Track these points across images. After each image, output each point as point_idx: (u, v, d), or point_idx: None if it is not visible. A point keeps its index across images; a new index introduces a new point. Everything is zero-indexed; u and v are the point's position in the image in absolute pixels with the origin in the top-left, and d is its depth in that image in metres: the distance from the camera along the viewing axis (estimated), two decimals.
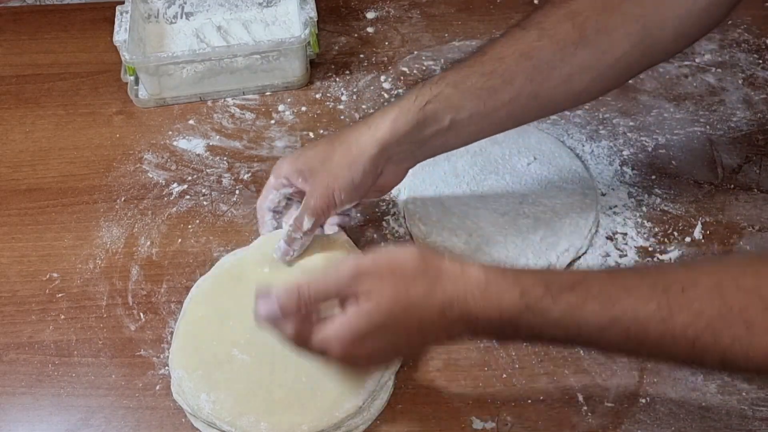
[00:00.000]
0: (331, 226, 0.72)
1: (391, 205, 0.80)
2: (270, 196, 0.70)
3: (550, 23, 0.63)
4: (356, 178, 0.64)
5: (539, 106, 0.66)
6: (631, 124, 0.87)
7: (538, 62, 0.63)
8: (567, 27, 0.62)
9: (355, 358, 0.55)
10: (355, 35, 0.99)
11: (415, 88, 0.65)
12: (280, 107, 0.91)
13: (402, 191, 0.80)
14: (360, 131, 0.65)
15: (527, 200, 0.77)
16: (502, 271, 0.52)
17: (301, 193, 0.68)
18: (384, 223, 0.79)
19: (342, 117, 0.89)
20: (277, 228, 0.70)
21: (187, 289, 0.72)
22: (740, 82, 0.92)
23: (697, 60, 0.94)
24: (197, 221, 0.79)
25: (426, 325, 0.52)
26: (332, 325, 0.53)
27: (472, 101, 0.63)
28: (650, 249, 0.76)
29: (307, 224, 0.65)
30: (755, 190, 0.81)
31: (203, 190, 0.82)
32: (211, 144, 0.87)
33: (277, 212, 0.71)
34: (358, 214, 0.78)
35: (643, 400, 0.66)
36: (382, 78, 0.93)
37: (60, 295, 0.74)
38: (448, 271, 0.52)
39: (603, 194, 0.80)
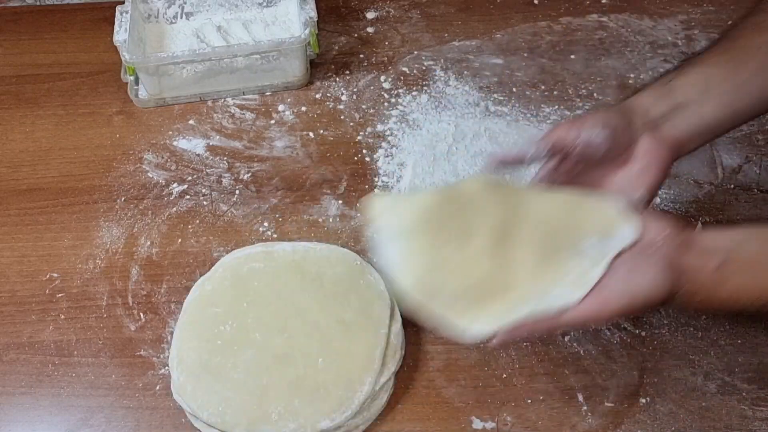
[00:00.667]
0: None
1: None
2: (531, 153, 0.63)
3: None
4: (602, 112, 0.63)
5: None
6: None
7: None
8: None
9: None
10: (355, 35, 0.99)
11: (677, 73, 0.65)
12: (280, 107, 0.91)
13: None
14: (627, 104, 0.65)
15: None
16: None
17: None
18: None
19: (342, 117, 0.89)
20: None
21: (187, 289, 0.72)
22: None
23: None
24: (197, 221, 0.79)
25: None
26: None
27: (717, 74, 0.64)
28: None
29: (545, 135, 0.62)
30: (755, 190, 0.81)
31: (203, 190, 0.82)
32: (211, 144, 0.87)
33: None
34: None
35: (643, 400, 0.66)
36: (382, 78, 0.93)
37: (60, 295, 0.74)
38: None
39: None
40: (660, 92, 0.65)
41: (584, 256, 0.56)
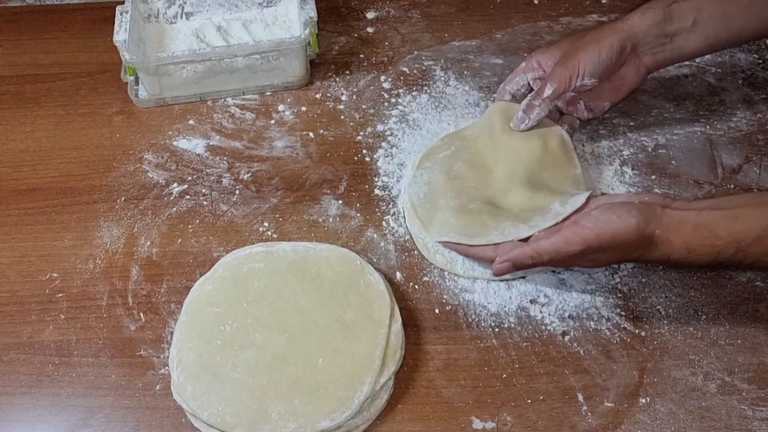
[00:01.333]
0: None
1: (391, 205, 0.80)
2: (516, 78, 0.79)
3: None
4: (602, 52, 0.72)
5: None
6: (631, 124, 0.87)
7: None
8: None
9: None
10: (355, 35, 0.99)
11: None
12: (280, 107, 0.91)
13: (402, 191, 0.80)
14: (611, 22, 0.75)
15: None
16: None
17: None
18: (384, 223, 0.79)
19: (342, 117, 0.89)
20: None
21: (187, 289, 0.72)
22: (740, 82, 0.92)
23: (697, 60, 0.94)
24: (197, 221, 0.79)
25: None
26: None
27: (713, 4, 0.71)
28: None
29: (548, 90, 0.73)
30: (755, 190, 0.81)
31: (203, 190, 0.82)
32: (211, 144, 0.87)
33: (515, 98, 0.79)
34: (590, 115, 0.81)
35: (643, 400, 0.66)
36: (382, 78, 0.93)
37: (60, 295, 0.74)
38: (660, 239, 0.63)
39: (603, 194, 0.80)
40: (656, 18, 0.73)
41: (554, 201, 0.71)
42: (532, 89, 0.79)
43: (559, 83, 0.73)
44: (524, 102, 0.76)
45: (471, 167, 0.79)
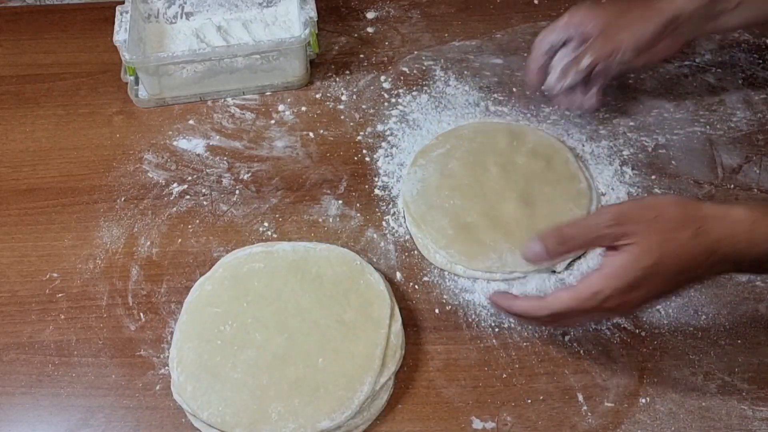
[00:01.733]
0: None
1: (391, 205, 0.80)
2: (555, 32, 0.78)
3: None
4: (646, 34, 0.72)
5: None
6: (631, 124, 0.87)
7: None
8: None
9: (628, 305, 0.58)
10: (355, 35, 0.99)
11: None
12: (280, 107, 0.91)
13: (402, 191, 0.80)
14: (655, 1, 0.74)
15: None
16: (765, 211, 0.56)
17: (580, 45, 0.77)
18: (384, 223, 0.79)
19: (342, 117, 0.89)
20: (545, 65, 0.80)
21: (187, 289, 0.72)
22: (740, 82, 0.92)
23: (697, 60, 0.94)
24: (197, 221, 0.79)
25: (693, 266, 0.56)
26: (605, 278, 0.56)
27: None
28: None
29: (585, 61, 0.74)
30: (755, 190, 0.81)
31: (203, 190, 0.82)
32: (211, 144, 0.87)
33: (549, 55, 0.79)
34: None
35: (643, 400, 0.66)
36: (382, 78, 0.93)
37: (60, 295, 0.74)
38: (711, 216, 0.55)
39: (603, 194, 0.80)
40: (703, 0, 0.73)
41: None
42: (565, 42, 0.79)
43: (597, 56, 0.74)
44: (560, 66, 0.78)
45: (465, 165, 0.80)
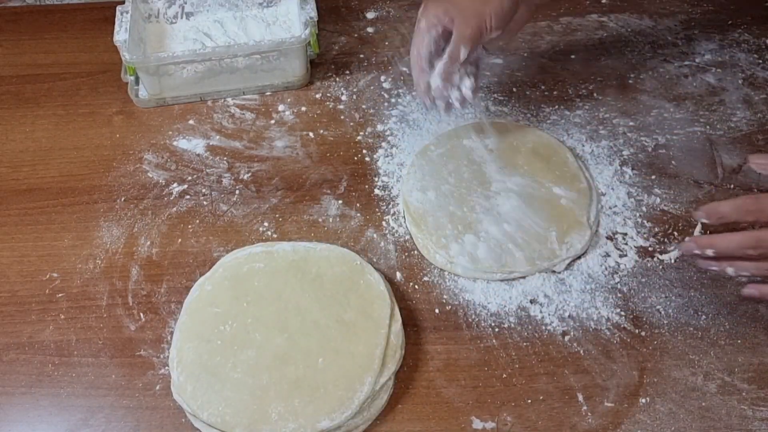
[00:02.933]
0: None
1: (391, 205, 0.80)
2: (426, 40, 0.72)
3: None
4: (505, 3, 0.70)
5: None
6: (631, 124, 0.87)
7: None
8: None
9: None
10: (355, 35, 0.99)
11: None
12: (280, 107, 0.91)
13: (402, 191, 0.80)
14: None
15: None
16: None
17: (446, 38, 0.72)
18: (384, 223, 0.79)
19: (342, 117, 0.89)
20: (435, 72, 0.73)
21: (187, 289, 0.72)
22: (740, 82, 0.92)
23: (697, 60, 0.94)
24: (197, 221, 0.79)
25: None
26: None
27: None
28: (650, 249, 0.76)
29: (463, 53, 0.70)
30: (755, 190, 0.81)
31: (203, 190, 0.82)
32: (211, 144, 0.87)
33: (430, 61, 0.73)
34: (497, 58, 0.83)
35: (643, 400, 0.66)
36: (382, 78, 0.93)
37: (60, 295, 0.74)
38: None
39: (603, 194, 0.80)
40: None
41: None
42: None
43: (471, 42, 0.70)
44: (440, 71, 0.72)
45: (465, 165, 0.80)
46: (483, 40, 0.71)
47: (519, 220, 0.75)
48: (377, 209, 0.80)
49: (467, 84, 0.73)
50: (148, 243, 0.78)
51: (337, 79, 0.93)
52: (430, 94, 0.74)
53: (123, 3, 0.90)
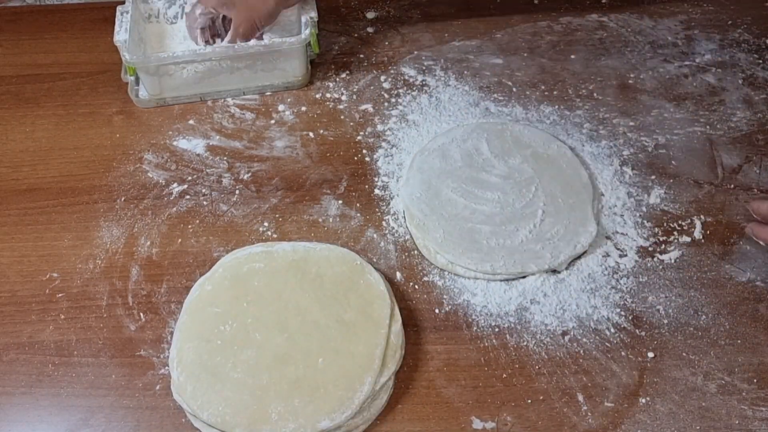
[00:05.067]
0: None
1: (391, 205, 0.80)
2: (200, 19, 0.89)
3: None
4: (270, 8, 0.85)
5: None
6: (631, 124, 0.87)
7: None
8: None
9: None
10: (355, 35, 0.99)
11: None
12: (280, 107, 0.91)
13: (401, 191, 0.80)
14: None
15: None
16: None
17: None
18: (384, 223, 0.79)
19: (342, 117, 0.89)
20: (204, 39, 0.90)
21: (187, 289, 0.72)
22: (740, 82, 0.92)
23: (697, 60, 0.94)
24: (197, 221, 0.79)
25: None
26: None
27: None
28: (650, 249, 0.76)
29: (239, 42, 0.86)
30: (755, 190, 0.81)
31: (203, 190, 0.82)
32: (211, 144, 0.87)
33: (203, 30, 0.90)
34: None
35: (643, 400, 0.66)
36: (382, 78, 0.93)
37: (60, 295, 0.74)
38: None
39: (603, 194, 0.80)
40: None
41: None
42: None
43: (245, 40, 0.87)
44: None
45: (465, 165, 0.80)
46: (255, 35, 0.87)
47: (520, 220, 0.75)
48: (377, 209, 0.80)
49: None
50: (148, 243, 0.78)
51: (337, 79, 0.93)
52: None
53: (123, 3, 0.90)
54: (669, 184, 0.81)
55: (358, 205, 0.80)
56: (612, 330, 0.70)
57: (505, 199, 0.77)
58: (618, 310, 0.72)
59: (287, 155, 0.85)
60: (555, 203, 0.77)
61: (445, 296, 0.73)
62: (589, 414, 0.65)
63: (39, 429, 0.66)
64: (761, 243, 0.75)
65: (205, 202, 0.81)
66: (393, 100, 0.91)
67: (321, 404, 0.62)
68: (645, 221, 0.78)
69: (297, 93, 0.92)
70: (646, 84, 0.92)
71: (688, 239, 0.77)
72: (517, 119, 0.88)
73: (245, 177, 0.83)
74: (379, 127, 0.88)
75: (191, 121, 0.89)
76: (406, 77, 0.93)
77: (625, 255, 0.75)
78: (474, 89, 0.91)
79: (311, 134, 0.87)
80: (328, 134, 0.87)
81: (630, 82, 0.92)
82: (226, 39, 0.86)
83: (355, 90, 0.92)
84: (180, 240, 0.78)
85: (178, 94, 0.90)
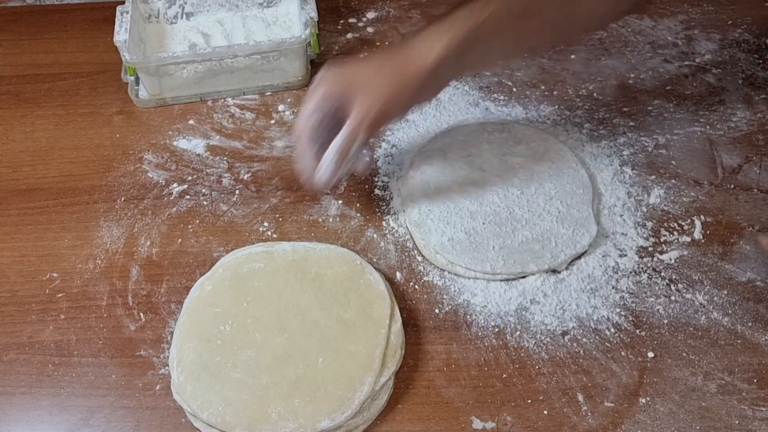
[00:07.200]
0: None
1: (391, 205, 0.80)
2: (316, 110, 0.67)
3: None
4: (406, 99, 0.67)
5: (567, 30, 0.74)
6: (631, 124, 0.87)
7: None
8: None
9: None
10: (355, 35, 0.99)
11: (459, 13, 0.66)
12: (280, 107, 0.91)
13: (401, 191, 0.80)
14: (408, 55, 0.66)
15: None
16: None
17: (336, 117, 0.67)
18: (384, 223, 0.79)
19: None
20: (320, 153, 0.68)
21: (187, 289, 0.72)
22: (740, 82, 0.92)
23: (697, 60, 0.94)
24: (197, 221, 0.79)
25: None
26: None
27: (510, 27, 0.68)
28: (650, 249, 0.76)
29: (360, 141, 0.66)
30: (755, 190, 0.81)
31: (203, 190, 0.82)
32: (211, 144, 0.87)
33: (314, 138, 0.68)
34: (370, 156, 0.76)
35: (643, 400, 0.66)
36: None
37: (60, 295, 0.74)
38: None
39: (603, 194, 0.80)
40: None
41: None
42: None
43: (367, 133, 0.66)
44: (330, 156, 0.66)
45: (465, 165, 0.80)
46: (384, 126, 0.68)
47: (519, 220, 0.76)
48: (377, 209, 0.80)
49: (363, 163, 0.69)
50: (148, 243, 0.78)
51: None
52: (313, 172, 0.68)
53: (123, 3, 0.90)
54: (669, 184, 0.81)
55: (358, 205, 0.80)
56: (612, 330, 0.70)
57: (505, 199, 0.77)
58: (618, 310, 0.72)
59: (287, 155, 0.85)
60: (555, 203, 0.77)
61: (445, 296, 0.73)
62: (589, 414, 0.65)
63: (39, 429, 0.65)
64: None
65: (205, 202, 0.81)
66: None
67: (321, 404, 0.62)
68: (645, 221, 0.78)
69: (297, 93, 0.92)
70: (646, 84, 0.92)
71: (688, 239, 0.77)
72: (517, 119, 0.88)
73: (245, 177, 0.83)
74: None
75: (191, 121, 0.89)
76: None
77: (625, 255, 0.75)
78: (474, 89, 0.91)
79: None
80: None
81: (630, 82, 0.92)
82: (342, 133, 0.65)
83: None
84: (180, 240, 0.78)
85: (178, 94, 0.90)
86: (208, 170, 0.84)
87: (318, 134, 0.68)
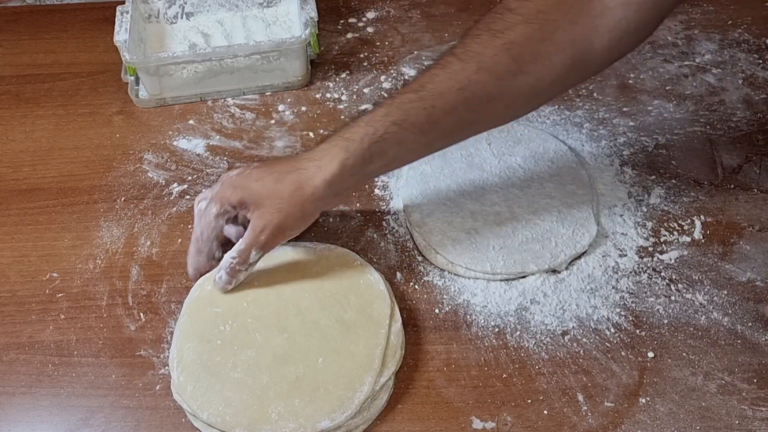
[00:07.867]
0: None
1: (391, 205, 0.80)
2: (215, 225, 0.68)
3: (488, 56, 0.63)
4: (306, 217, 0.67)
5: (478, 130, 0.70)
6: (631, 124, 0.87)
7: (477, 95, 0.64)
8: (504, 59, 0.63)
9: None
10: (355, 35, 0.99)
11: (360, 124, 0.65)
12: (280, 107, 0.91)
13: (401, 191, 0.80)
14: (308, 169, 0.65)
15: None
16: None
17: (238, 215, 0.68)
18: (384, 223, 0.79)
19: (342, 117, 0.89)
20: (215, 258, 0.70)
21: (187, 289, 0.72)
22: (740, 82, 0.92)
23: (697, 60, 0.94)
24: None
25: None
26: None
27: (414, 135, 0.65)
28: (650, 249, 0.76)
29: (254, 257, 0.66)
30: (755, 190, 0.81)
31: (203, 190, 0.82)
32: (211, 144, 0.87)
33: (218, 242, 0.70)
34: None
35: (643, 400, 0.66)
36: (382, 78, 0.93)
37: (60, 295, 0.74)
38: None
39: (603, 194, 0.80)
40: (355, 165, 0.65)
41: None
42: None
43: (265, 251, 0.67)
44: (224, 265, 0.66)
45: (465, 165, 0.80)
46: (281, 242, 0.67)
47: (520, 220, 0.76)
48: (377, 209, 0.80)
49: (223, 277, 0.67)
50: (148, 243, 0.78)
51: (337, 79, 0.93)
52: (197, 275, 0.70)
53: (123, 3, 0.90)
54: (669, 184, 0.81)
55: (358, 205, 0.80)
56: (612, 330, 0.70)
57: (505, 199, 0.77)
58: (618, 310, 0.72)
59: (287, 155, 0.85)
60: (555, 203, 0.77)
61: (445, 296, 0.73)
62: (589, 414, 0.65)
63: (39, 429, 0.65)
64: None
65: None
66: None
67: (321, 404, 0.62)
68: (645, 221, 0.78)
69: (297, 93, 0.92)
70: (646, 84, 0.92)
71: (688, 239, 0.77)
72: (517, 119, 0.87)
73: None
74: None
75: (191, 121, 0.89)
76: (406, 77, 0.93)
77: (625, 255, 0.75)
78: None
79: (311, 134, 0.87)
80: (328, 134, 0.87)
81: (630, 82, 0.92)
82: (238, 245, 0.66)
83: (355, 90, 0.92)
84: (180, 240, 0.78)
85: (178, 94, 0.90)
86: (208, 170, 0.84)
87: (209, 244, 0.69)
